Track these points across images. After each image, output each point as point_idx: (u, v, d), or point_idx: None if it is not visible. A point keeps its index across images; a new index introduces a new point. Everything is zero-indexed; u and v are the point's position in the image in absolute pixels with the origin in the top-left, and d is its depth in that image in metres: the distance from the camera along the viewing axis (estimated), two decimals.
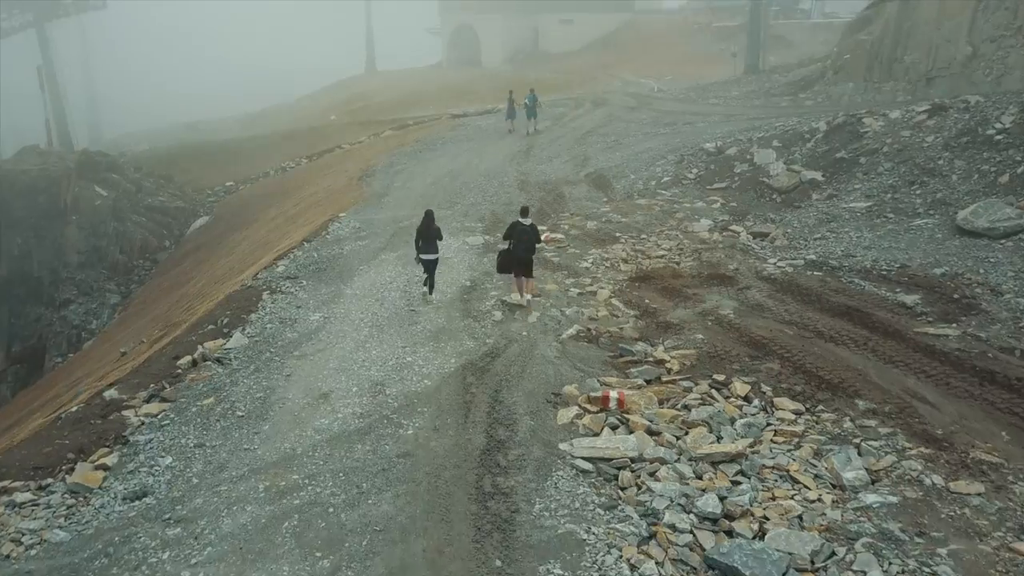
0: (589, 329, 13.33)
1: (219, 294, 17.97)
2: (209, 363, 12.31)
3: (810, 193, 20.55)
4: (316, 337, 13.13)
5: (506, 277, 14.88)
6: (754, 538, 7.97)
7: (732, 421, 10.21)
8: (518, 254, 13.97)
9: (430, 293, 14.55)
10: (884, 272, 15.56)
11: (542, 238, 18.33)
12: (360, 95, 71.96)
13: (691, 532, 8.09)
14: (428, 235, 14.18)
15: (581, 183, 23.69)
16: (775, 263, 16.55)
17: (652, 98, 40.06)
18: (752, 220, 19.75)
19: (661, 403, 10.80)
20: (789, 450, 9.48)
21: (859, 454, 9.30)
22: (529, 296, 14.28)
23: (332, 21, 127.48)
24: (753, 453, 9.39)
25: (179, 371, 12.15)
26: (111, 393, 11.52)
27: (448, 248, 17.74)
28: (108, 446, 10.08)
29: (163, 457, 9.73)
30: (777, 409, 10.54)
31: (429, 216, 14.43)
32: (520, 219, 14.18)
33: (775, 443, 9.67)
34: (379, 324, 13.52)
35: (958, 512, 8.39)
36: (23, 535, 8.42)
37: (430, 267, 14.46)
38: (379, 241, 18.67)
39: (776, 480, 8.96)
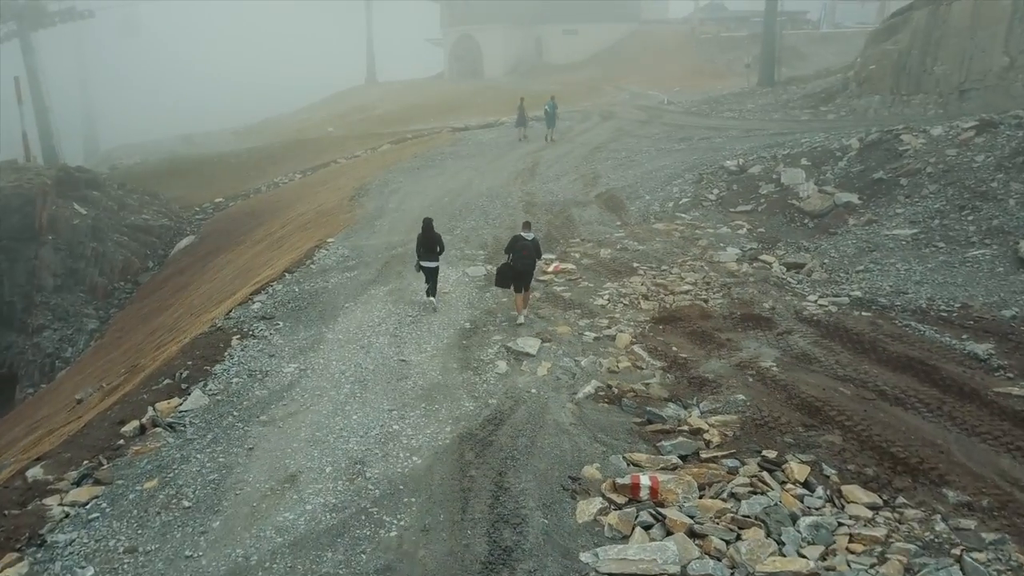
0: (609, 386, 11.35)
1: (191, 330, 16.05)
2: (159, 430, 10.34)
3: (846, 218, 18.59)
4: (288, 395, 11.16)
5: (507, 293, 14.41)
6: None
7: (794, 519, 8.21)
8: (518, 268, 13.55)
9: (429, 296, 14.49)
10: (943, 313, 13.57)
11: (550, 268, 16.51)
12: (359, 107, 70.29)
13: None
14: (428, 243, 14.17)
15: (592, 204, 21.77)
16: (816, 301, 14.58)
17: (662, 111, 38.22)
18: (784, 248, 17.80)
19: (702, 489, 8.82)
20: (872, 564, 7.47)
21: (963, 572, 7.31)
22: (526, 312, 13.94)
23: (334, 31, 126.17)
24: (828, 571, 7.39)
25: (122, 441, 10.18)
26: (35, 472, 9.56)
27: (446, 280, 15.84)
28: (18, 549, 8.11)
29: (83, 568, 7.75)
30: (848, 502, 8.54)
31: (428, 224, 14.29)
32: (522, 233, 13.73)
33: (852, 553, 7.67)
34: (363, 379, 11.55)
35: None
36: None
37: (430, 274, 14.45)
38: (369, 272, 16.73)
39: None
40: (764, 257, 17.09)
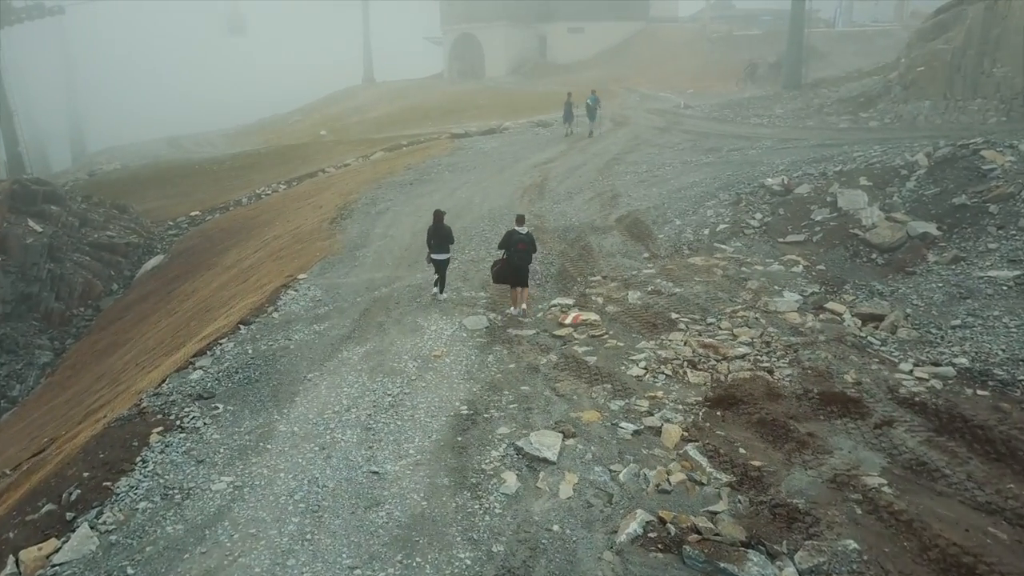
0: (662, 520, 8.10)
1: (118, 403, 12.85)
2: None
3: (924, 253, 15.35)
4: (212, 535, 7.93)
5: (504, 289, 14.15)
6: None
7: None
8: (515, 263, 13.51)
9: (441, 293, 14.64)
10: None
11: (568, 319, 13.31)
12: (355, 108, 67.17)
13: None
14: (439, 236, 14.27)
15: (612, 231, 18.52)
16: (911, 372, 11.34)
17: (680, 116, 34.98)
18: (853, 292, 14.55)
19: None
20: None
21: None
22: (524, 307, 13.93)
23: (331, 29, 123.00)
24: None
25: None
26: None
27: (438, 336, 12.67)
28: None
29: None
30: None
31: (438, 217, 14.31)
32: (516, 228, 13.61)
33: None
34: (318, 506, 8.32)
35: None
36: None
37: (441, 267, 14.53)
38: (343, 324, 13.49)
39: None
40: (831, 306, 13.83)
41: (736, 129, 29.05)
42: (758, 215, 18.31)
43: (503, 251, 13.63)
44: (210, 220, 32.15)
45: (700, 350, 12.24)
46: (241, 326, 13.56)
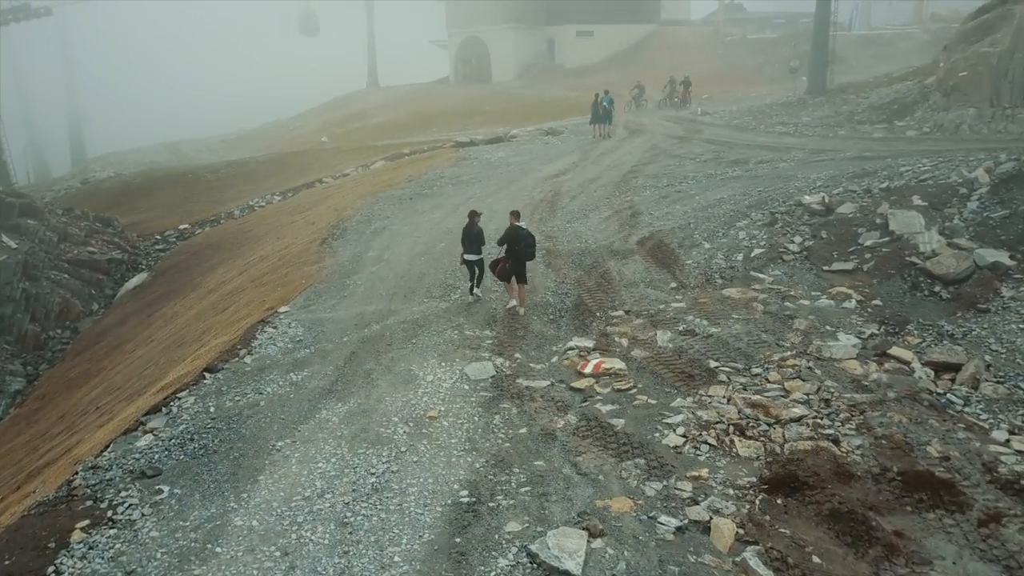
0: None
1: (85, 439, 10.96)
2: None
3: (997, 286, 13.31)
4: None
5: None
6: None
7: None
8: (523, 260, 13.52)
9: (475, 288, 14.45)
10: None
11: (589, 368, 11.35)
12: (358, 114, 65.33)
13: None
14: (471, 237, 14.02)
15: (634, 255, 16.53)
16: (1007, 443, 9.33)
17: (699, 123, 32.97)
18: (918, 334, 12.50)
19: None
20: None
21: None
22: (522, 310, 13.80)
23: (336, 31, 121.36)
24: None
25: None
26: None
27: (435, 389, 10.77)
28: None
29: None
30: None
31: (473, 217, 14.17)
32: (519, 224, 13.56)
33: None
34: None
35: None
36: None
37: (473, 268, 14.31)
38: (325, 373, 11.55)
39: None
40: (896, 351, 11.80)
41: (761, 138, 27.03)
42: (797, 238, 16.29)
43: (504, 245, 13.58)
44: (199, 234, 30.28)
45: (748, 410, 10.24)
46: (206, 374, 11.61)
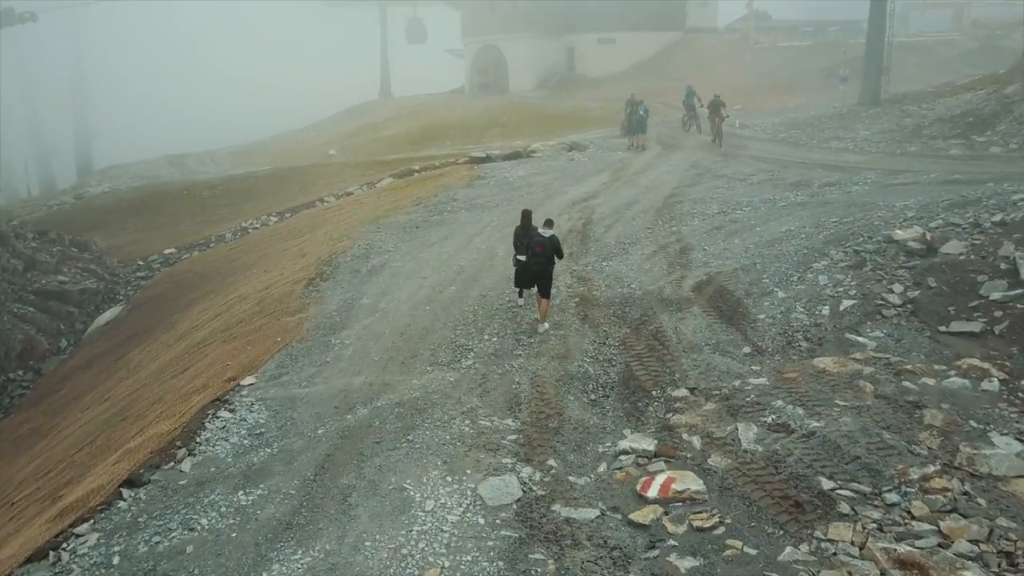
0: None
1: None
2: None
3: None
4: None
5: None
6: None
7: None
8: (532, 269, 12.40)
9: (520, 297, 13.33)
10: None
11: (653, 490, 8.05)
12: (369, 125, 62.47)
13: None
14: (528, 239, 12.67)
15: (690, 305, 13.25)
16: None
17: (740, 138, 29.69)
18: None
19: None
20: None
21: None
22: (546, 325, 12.50)
23: (350, 41, 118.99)
24: None
25: None
26: None
27: (436, 526, 7.71)
28: None
29: None
30: None
31: (527, 216, 13.45)
32: (540, 230, 12.49)
33: None
34: None
35: None
36: None
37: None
38: (286, 493, 8.33)
39: None
40: None
41: (818, 156, 23.72)
42: (897, 287, 12.96)
43: (516, 248, 13.18)
44: (186, 260, 27.27)
45: (896, 573, 6.93)
46: (124, 491, 8.45)
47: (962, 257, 13.27)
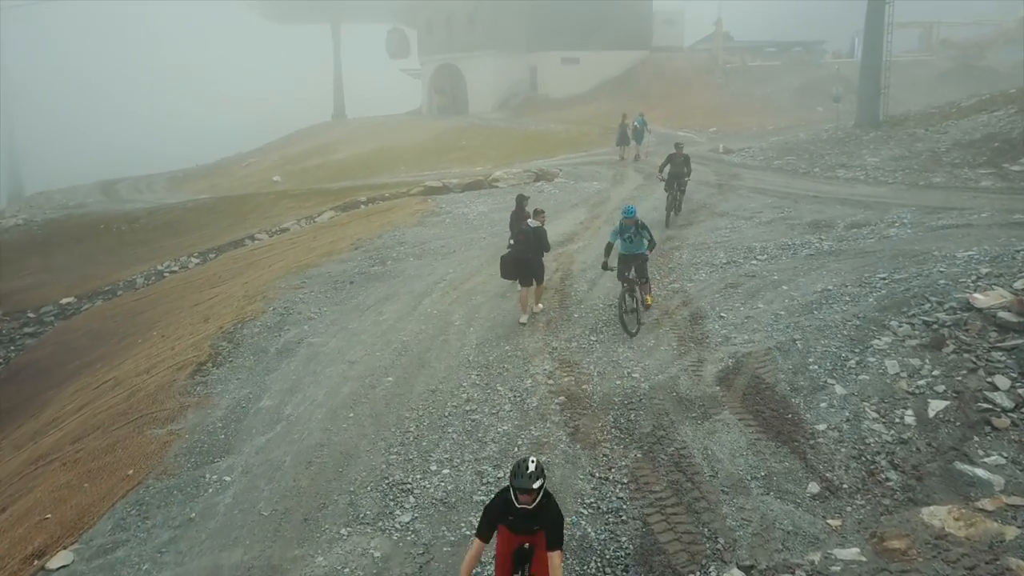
0: None
1: None
2: None
3: None
4: None
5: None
6: None
7: None
8: (514, 256, 12.00)
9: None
10: None
11: None
12: (319, 149, 58.36)
13: None
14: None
15: (719, 409, 9.52)
16: None
17: (729, 165, 26.34)
18: None
19: None
20: None
21: None
22: (541, 306, 12.63)
23: (300, 61, 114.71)
24: None
25: None
26: None
27: None
28: None
29: None
30: None
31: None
32: (529, 221, 12.33)
33: None
34: None
35: None
36: None
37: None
38: None
39: None
40: None
41: (828, 187, 20.38)
42: (1001, 379, 9.39)
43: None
44: (85, 311, 22.92)
45: None
46: None
47: None
